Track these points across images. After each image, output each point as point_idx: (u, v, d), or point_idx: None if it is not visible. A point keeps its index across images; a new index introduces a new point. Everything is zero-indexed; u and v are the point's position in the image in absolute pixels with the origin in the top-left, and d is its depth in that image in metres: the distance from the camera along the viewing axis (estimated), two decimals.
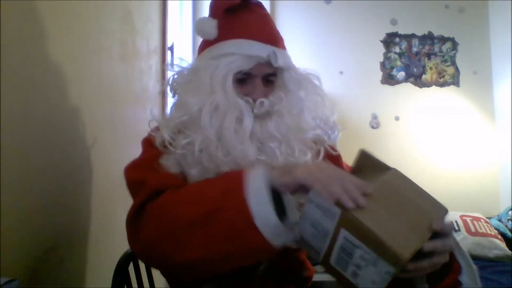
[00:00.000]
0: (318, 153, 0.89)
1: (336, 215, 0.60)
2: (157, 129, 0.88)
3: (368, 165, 0.70)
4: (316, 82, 0.94)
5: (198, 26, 0.91)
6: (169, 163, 0.81)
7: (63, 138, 0.99)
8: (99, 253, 1.15)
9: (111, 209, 1.25)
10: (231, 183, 0.69)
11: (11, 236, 0.76)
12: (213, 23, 0.89)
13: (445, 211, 0.64)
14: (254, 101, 0.84)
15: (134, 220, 0.74)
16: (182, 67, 0.93)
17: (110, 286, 0.94)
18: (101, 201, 1.15)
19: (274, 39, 0.89)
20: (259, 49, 0.85)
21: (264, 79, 0.87)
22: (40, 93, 0.88)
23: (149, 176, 0.78)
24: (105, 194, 1.18)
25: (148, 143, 0.89)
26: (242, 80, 0.86)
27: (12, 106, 0.77)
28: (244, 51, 0.84)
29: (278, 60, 0.84)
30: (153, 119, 0.91)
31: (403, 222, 0.59)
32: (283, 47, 0.92)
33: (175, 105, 0.91)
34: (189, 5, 2.63)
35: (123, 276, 0.96)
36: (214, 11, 0.92)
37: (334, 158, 0.93)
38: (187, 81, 0.89)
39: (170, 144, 0.82)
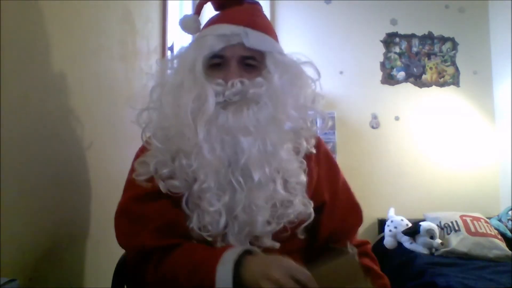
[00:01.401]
0: (298, 147, 0.86)
1: None
2: None
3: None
4: (306, 69, 0.89)
5: (181, 22, 0.94)
6: (144, 174, 0.81)
7: (63, 138, 0.99)
8: (99, 253, 1.15)
9: (111, 209, 1.24)
10: (203, 283, 0.70)
11: (11, 236, 0.76)
12: (195, 18, 0.93)
13: None
14: (227, 83, 0.80)
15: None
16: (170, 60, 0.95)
17: (110, 286, 0.94)
18: (101, 201, 1.15)
19: (251, 22, 0.85)
20: (228, 29, 0.83)
21: (242, 63, 0.83)
22: (40, 93, 0.88)
23: (136, 238, 0.81)
24: (105, 194, 1.17)
25: (136, 160, 0.87)
26: (218, 64, 0.83)
27: (12, 106, 0.77)
28: (213, 32, 0.84)
29: (250, 39, 0.82)
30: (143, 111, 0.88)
31: None
32: (264, 30, 0.87)
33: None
34: (189, 5, 2.62)
35: (123, 276, 0.96)
36: (199, 8, 0.95)
37: (314, 158, 0.91)
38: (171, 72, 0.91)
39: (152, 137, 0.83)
